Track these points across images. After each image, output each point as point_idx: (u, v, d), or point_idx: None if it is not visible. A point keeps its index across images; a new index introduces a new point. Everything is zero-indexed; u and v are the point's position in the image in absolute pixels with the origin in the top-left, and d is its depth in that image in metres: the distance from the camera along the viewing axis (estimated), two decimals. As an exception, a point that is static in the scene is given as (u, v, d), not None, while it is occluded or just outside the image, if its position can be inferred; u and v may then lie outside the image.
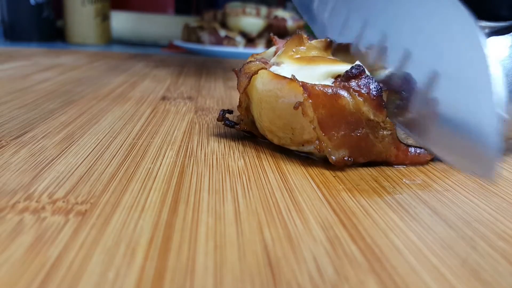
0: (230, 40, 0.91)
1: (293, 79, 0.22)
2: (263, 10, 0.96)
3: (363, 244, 0.15)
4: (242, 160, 0.23)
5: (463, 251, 0.15)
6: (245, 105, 0.26)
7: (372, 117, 0.22)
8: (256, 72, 0.24)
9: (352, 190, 0.20)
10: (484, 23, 0.31)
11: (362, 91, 0.21)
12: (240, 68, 0.26)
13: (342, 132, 0.22)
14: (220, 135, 0.28)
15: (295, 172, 0.22)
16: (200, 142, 0.26)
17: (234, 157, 0.24)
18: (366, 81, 0.22)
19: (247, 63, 0.26)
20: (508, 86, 0.23)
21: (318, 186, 0.20)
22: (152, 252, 0.14)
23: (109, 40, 1.06)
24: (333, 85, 0.22)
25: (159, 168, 0.21)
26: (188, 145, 0.25)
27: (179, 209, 0.17)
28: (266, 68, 0.24)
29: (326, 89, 0.21)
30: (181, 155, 0.23)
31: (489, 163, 0.15)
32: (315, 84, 0.21)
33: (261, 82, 0.23)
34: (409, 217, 0.17)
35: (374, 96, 0.21)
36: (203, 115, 0.34)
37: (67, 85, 0.43)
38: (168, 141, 0.26)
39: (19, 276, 0.12)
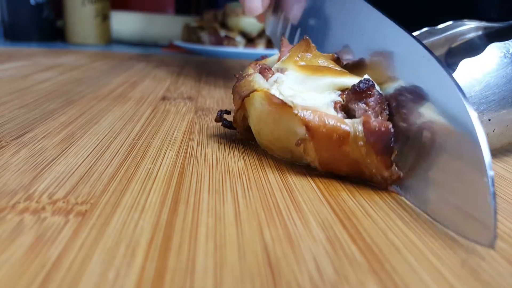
0: (230, 40, 0.91)
1: (293, 107, 0.20)
2: (263, 10, 0.95)
3: (363, 244, 0.15)
4: (242, 160, 0.23)
5: (463, 251, 0.15)
6: (241, 118, 0.25)
7: (374, 171, 0.20)
8: (247, 95, 0.23)
9: (352, 190, 0.20)
10: (482, 24, 0.32)
11: (371, 139, 0.19)
12: (235, 84, 0.25)
13: (343, 172, 0.21)
14: (220, 136, 0.28)
15: (295, 172, 0.22)
16: (200, 142, 0.26)
17: (234, 157, 0.24)
18: (384, 134, 0.19)
19: (244, 77, 0.24)
20: (510, 93, 0.23)
21: (318, 186, 0.20)
22: (152, 253, 0.14)
23: (109, 40, 1.06)
24: (341, 120, 0.20)
25: (159, 168, 0.21)
26: (188, 145, 0.25)
27: (179, 210, 0.17)
28: (258, 90, 0.22)
29: (331, 133, 0.20)
30: (181, 155, 0.23)
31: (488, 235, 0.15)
32: (319, 124, 0.20)
33: (260, 103, 0.22)
34: (409, 217, 0.17)
35: (382, 151, 0.19)
36: (203, 115, 0.34)
37: (67, 85, 0.43)
38: (168, 141, 0.26)
39: (19, 276, 0.12)
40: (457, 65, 0.23)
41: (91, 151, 0.23)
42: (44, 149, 0.23)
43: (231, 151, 0.25)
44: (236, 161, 0.23)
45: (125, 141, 0.25)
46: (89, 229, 0.15)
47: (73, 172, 0.20)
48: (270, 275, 0.13)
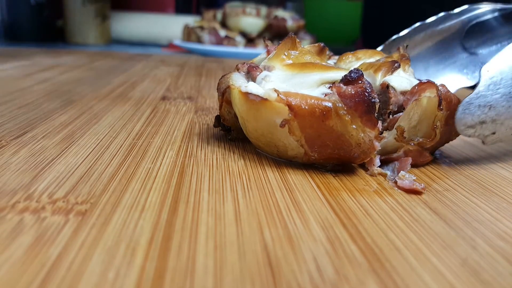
0: (230, 40, 0.91)
1: (268, 99, 0.21)
2: (263, 10, 0.96)
3: (363, 244, 0.15)
4: (242, 160, 0.23)
5: (463, 251, 0.15)
6: (230, 116, 0.25)
7: (361, 135, 0.20)
8: (224, 91, 0.24)
9: (352, 190, 0.20)
10: (497, 6, 0.31)
11: (350, 106, 0.20)
12: (218, 82, 0.25)
13: (329, 151, 0.21)
14: (220, 135, 0.28)
15: (295, 172, 0.22)
16: (200, 142, 0.26)
17: (234, 157, 0.24)
18: (361, 93, 0.20)
19: (222, 76, 0.25)
20: None
21: (318, 186, 0.20)
22: (152, 252, 0.14)
23: (109, 40, 1.06)
24: (321, 98, 0.21)
25: (159, 168, 0.21)
26: (188, 145, 0.25)
27: (179, 209, 0.17)
28: (231, 87, 0.23)
29: (313, 109, 0.20)
30: (181, 155, 0.23)
31: None
32: (301, 103, 0.20)
33: (239, 102, 0.23)
34: (409, 217, 0.17)
35: (366, 111, 0.20)
36: (203, 115, 0.34)
37: (67, 85, 0.43)
38: (168, 141, 0.26)
39: (19, 276, 0.12)
40: (474, 48, 0.23)
41: (91, 151, 0.23)
42: (44, 148, 0.23)
43: (231, 151, 0.25)
44: (236, 161, 0.23)
45: (125, 141, 0.25)
46: (89, 229, 0.15)
47: (73, 171, 0.20)
48: (270, 275, 0.13)
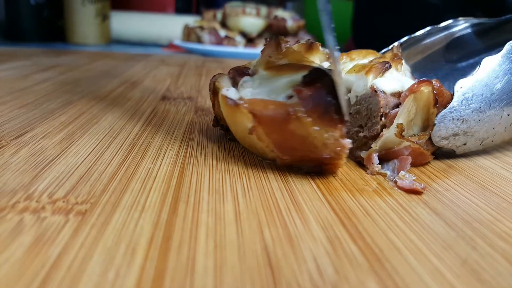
0: (230, 40, 0.91)
1: (239, 106, 0.21)
2: (263, 10, 0.96)
3: (363, 244, 0.15)
4: (242, 160, 0.23)
5: (463, 251, 0.15)
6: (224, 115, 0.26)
7: (325, 135, 0.20)
8: (213, 91, 0.24)
9: (352, 190, 0.20)
10: (474, 21, 0.33)
11: (309, 108, 0.20)
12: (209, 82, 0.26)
13: (300, 153, 0.21)
14: (220, 135, 0.28)
15: (295, 172, 0.22)
16: (200, 142, 0.26)
17: (234, 157, 0.24)
18: (317, 94, 0.20)
19: (213, 76, 0.25)
20: (497, 103, 0.24)
21: (318, 186, 0.20)
22: (152, 252, 0.14)
23: (109, 40, 1.06)
24: (281, 103, 0.21)
25: (159, 168, 0.21)
26: (188, 145, 0.25)
27: (179, 209, 0.17)
28: (217, 90, 0.23)
29: (274, 115, 0.20)
30: (181, 155, 0.23)
31: None
32: (263, 109, 0.20)
33: (222, 106, 0.23)
34: (409, 217, 0.17)
35: (324, 111, 0.20)
36: (203, 115, 0.34)
37: (67, 85, 0.43)
38: (168, 141, 0.26)
39: (19, 276, 0.12)
40: (455, 62, 0.24)
41: (91, 151, 0.23)
42: (44, 148, 0.23)
43: (231, 151, 0.25)
44: (236, 161, 0.23)
45: (125, 140, 0.25)
46: (89, 229, 0.15)
47: (73, 171, 0.20)
48: (270, 275, 0.13)
